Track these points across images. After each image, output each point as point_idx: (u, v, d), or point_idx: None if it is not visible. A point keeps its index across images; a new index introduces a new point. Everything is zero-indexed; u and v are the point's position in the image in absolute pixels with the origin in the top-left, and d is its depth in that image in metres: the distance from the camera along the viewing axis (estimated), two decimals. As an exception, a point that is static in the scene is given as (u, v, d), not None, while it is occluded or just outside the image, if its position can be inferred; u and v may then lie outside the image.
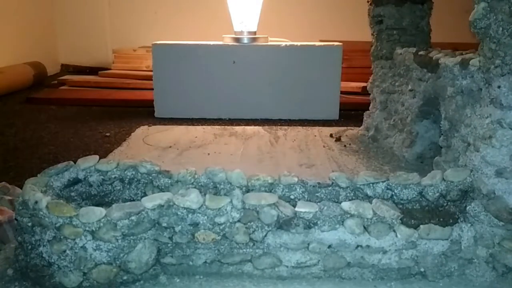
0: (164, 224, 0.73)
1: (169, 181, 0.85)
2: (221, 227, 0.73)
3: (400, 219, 0.74)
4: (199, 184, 0.83)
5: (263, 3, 2.21)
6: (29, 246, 0.72)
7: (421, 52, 1.25)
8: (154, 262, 0.74)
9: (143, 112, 2.15)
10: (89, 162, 0.86)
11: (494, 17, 0.72)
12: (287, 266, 0.76)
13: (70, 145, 1.64)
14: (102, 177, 0.86)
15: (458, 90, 0.93)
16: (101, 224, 0.70)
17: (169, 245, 0.75)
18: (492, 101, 0.76)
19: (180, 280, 0.75)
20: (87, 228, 0.70)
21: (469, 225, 0.77)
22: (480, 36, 0.76)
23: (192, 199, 0.73)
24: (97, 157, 0.88)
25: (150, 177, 0.86)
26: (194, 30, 3.29)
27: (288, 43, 2.11)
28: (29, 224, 0.72)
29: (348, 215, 0.74)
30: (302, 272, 0.76)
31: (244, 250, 0.75)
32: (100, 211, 0.71)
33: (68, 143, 1.67)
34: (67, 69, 3.51)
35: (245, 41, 2.13)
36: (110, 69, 3.08)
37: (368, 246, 0.75)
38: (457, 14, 2.54)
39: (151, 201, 0.73)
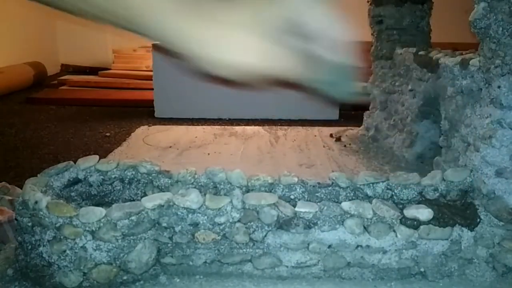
0: (164, 224, 0.73)
1: (169, 181, 0.85)
2: (221, 227, 0.73)
3: (400, 220, 0.74)
4: (199, 184, 0.83)
5: (263, 3, 2.21)
6: (29, 246, 0.72)
7: (421, 52, 1.25)
8: (154, 262, 0.74)
9: (143, 112, 2.15)
10: (89, 162, 0.86)
11: (494, 17, 0.72)
12: (287, 266, 0.76)
13: (70, 145, 1.64)
14: (102, 177, 0.86)
15: (458, 90, 0.93)
16: (101, 224, 0.70)
17: (169, 245, 0.74)
18: (492, 101, 0.76)
19: (180, 280, 0.75)
20: (87, 228, 0.70)
21: (469, 225, 0.77)
22: (480, 36, 0.76)
23: (192, 199, 0.73)
24: (97, 157, 0.88)
25: (150, 177, 0.86)
26: (194, 30, 3.29)
27: (288, 43, 2.11)
28: (29, 224, 0.72)
29: (348, 215, 0.74)
30: (302, 272, 0.76)
31: (244, 250, 0.75)
32: (100, 211, 0.71)
33: (68, 143, 1.67)
34: (67, 69, 3.51)
35: (245, 41, 2.13)
36: (110, 69, 3.08)
37: (368, 246, 0.75)
38: (457, 14, 2.54)
39: (151, 201, 0.73)
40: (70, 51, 3.54)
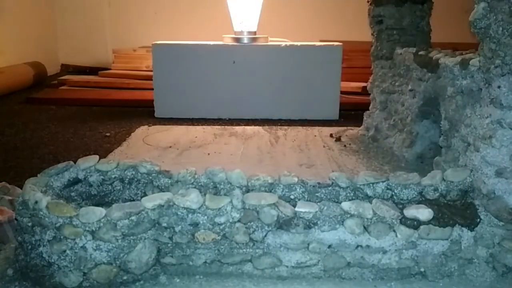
0: (164, 224, 0.73)
1: (169, 181, 0.85)
2: (221, 227, 0.74)
3: (400, 220, 0.74)
4: (199, 184, 0.83)
5: (263, 3, 2.21)
6: (29, 246, 0.73)
7: (421, 52, 1.25)
8: (154, 262, 0.74)
9: (143, 112, 2.15)
10: (89, 162, 0.86)
11: (494, 17, 0.72)
12: (287, 266, 0.76)
13: (70, 145, 1.64)
14: (102, 177, 0.86)
15: (458, 90, 0.93)
16: (101, 224, 0.70)
17: (169, 245, 0.75)
18: (492, 101, 0.76)
19: (180, 280, 0.75)
20: (87, 228, 0.70)
21: (469, 225, 0.77)
22: (480, 36, 0.76)
23: (192, 199, 0.73)
24: (97, 157, 0.88)
25: (150, 177, 0.86)
26: (194, 30, 3.29)
27: (288, 43, 2.11)
28: (29, 224, 0.72)
29: (348, 215, 0.74)
30: (302, 272, 0.76)
31: (244, 250, 0.75)
32: (100, 211, 0.71)
33: (68, 143, 1.67)
34: (67, 69, 3.51)
35: (245, 41, 2.13)
36: (110, 69, 3.08)
37: (368, 246, 0.75)
38: (457, 14, 2.54)
39: (151, 201, 0.73)
40: (70, 51, 3.54)
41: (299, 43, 2.08)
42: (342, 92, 2.13)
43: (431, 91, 1.15)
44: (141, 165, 0.86)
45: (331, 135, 1.68)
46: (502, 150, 0.75)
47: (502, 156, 0.75)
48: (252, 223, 0.74)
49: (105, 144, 1.65)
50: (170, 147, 1.53)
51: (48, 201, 0.71)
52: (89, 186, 0.86)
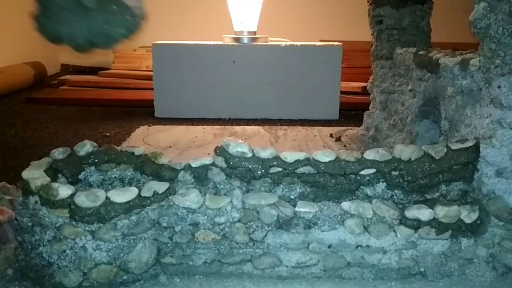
0: (164, 224, 0.73)
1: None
2: (221, 227, 0.74)
3: (400, 219, 0.74)
4: (199, 184, 0.83)
5: (263, 3, 2.21)
6: (29, 246, 0.72)
7: (421, 52, 1.25)
8: (154, 262, 0.74)
9: (143, 112, 2.15)
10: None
11: (494, 17, 0.72)
12: (287, 266, 0.76)
13: (70, 145, 1.63)
14: (102, 177, 0.86)
15: (458, 90, 0.93)
16: (101, 224, 0.70)
17: (169, 245, 0.75)
18: (492, 101, 0.76)
19: (180, 280, 0.75)
20: (87, 228, 0.70)
21: (469, 225, 0.77)
22: (480, 36, 0.76)
23: (192, 199, 0.73)
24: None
25: (151, 177, 0.86)
26: (194, 30, 3.29)
27: (288, 43, 2.11)
28: (29, 224, 0.72)
29: (348, 215, 0.74)
30: (302, 272, 0.76)
31: (244, 250, 0.75)
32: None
33: (68, 143, 1.67)
34: (67, 69, 3.51)
35: (245, 41, 2.13)
36: (110, 69, 3.08)
37: (368, 246, 0.75)
38: (457, 14, 2.54)
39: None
40: (70, 51, 3.54)
41: (299, 43, 2.08)
42: (342, 92, 2.13)
43: (431, 91, 1.15)
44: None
45: (331, 135, 1.68)
46: (502, 150, 0.75)
47: (502, 156, 0.75)
48: (252, 223, 0.74)
49: (105, 144, 1.65)
50: (170, 147, 1.53)
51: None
52: (89, 186, 0.86)
